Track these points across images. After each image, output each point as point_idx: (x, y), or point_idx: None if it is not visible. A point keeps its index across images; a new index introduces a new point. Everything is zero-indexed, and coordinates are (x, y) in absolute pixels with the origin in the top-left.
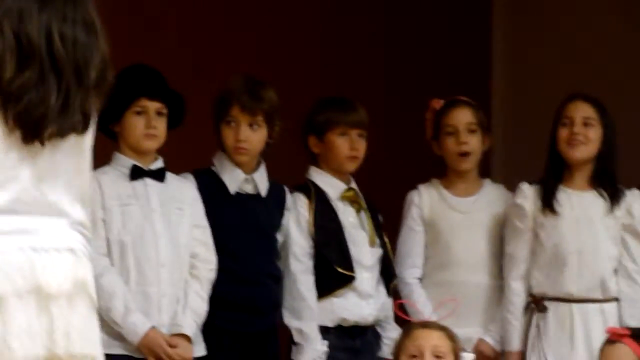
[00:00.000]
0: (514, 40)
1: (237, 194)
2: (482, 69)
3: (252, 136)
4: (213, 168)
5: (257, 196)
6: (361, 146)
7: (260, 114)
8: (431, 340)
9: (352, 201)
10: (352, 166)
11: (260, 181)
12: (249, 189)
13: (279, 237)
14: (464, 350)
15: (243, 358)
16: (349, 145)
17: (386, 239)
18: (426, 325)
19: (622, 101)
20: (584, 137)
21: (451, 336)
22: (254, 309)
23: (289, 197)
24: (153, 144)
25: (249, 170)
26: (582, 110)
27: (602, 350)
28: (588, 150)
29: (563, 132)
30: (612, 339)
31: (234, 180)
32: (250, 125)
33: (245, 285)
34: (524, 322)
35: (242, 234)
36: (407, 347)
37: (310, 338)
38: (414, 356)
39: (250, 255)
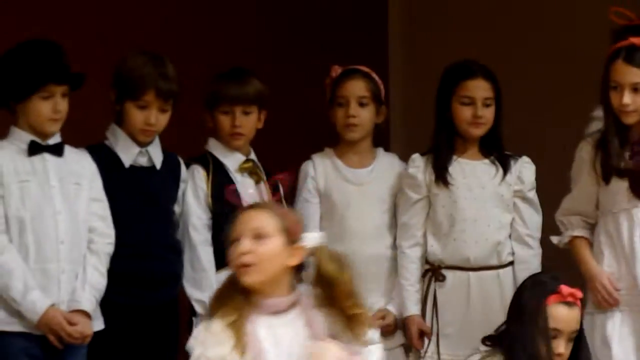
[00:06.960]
0: (412, 12)
1: (132, 167)
2: (380, 41)
3: (162, 119)
4: (107, 142)
5: (151, 169)
6: (246, 122)
7: (170, 100)
8: (251, 223)
9: (251, 172)
10: (236, 143)
11: (155, 154)
12: (143, 161)
13: (176, 208)
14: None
15: (143, 332)
16: (230, 123)
17: None
18: (251, 206)
19: (511, 70)
20: (485, 118)
21: (282, 214)
22: (152, 282)
23: (184, 168)
24: (57, 127)
25: (144, 143)
26: (483, 90)
27: None
28: (487, 128)
29: (465, 112)
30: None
31: (129, 153)
32: (161, 110)
33: (142, 258)
34: (422, 290)
35: (138, 207)
36: (230, 233)
37: None
38: (236, 240)
39: (145, 228)
